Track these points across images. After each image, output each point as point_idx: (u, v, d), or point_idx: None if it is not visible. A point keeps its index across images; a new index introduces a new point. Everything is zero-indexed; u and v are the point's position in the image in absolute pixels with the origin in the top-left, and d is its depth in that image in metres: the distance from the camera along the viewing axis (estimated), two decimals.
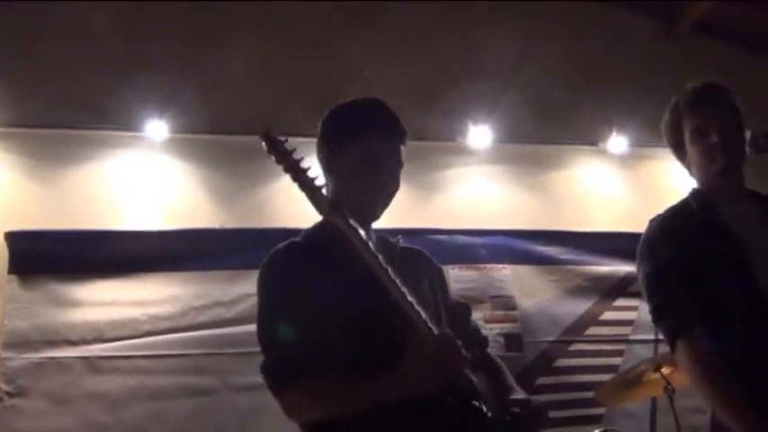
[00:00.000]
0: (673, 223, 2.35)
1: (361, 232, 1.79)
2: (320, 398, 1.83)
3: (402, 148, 2.04)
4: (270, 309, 1.92)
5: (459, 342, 1.74)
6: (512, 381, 2.08)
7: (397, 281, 1.76)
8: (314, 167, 1.82)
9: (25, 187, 4.44)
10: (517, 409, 1.87)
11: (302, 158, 1.78)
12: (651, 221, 2.39)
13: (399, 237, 2.13)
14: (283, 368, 1.84)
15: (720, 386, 2.14)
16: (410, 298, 1.76)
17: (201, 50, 4.67)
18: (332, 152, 2.03)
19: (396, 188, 2.03)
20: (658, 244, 2.31)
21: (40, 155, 4.46)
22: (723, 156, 2.30)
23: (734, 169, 2.32)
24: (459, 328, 2.06)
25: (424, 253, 2.23)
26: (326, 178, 2.03)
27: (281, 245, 2.00)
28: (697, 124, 2.35)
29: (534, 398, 1.95)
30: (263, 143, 1.79)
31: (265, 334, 1.90)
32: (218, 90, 4.65)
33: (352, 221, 1.79)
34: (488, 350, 2.19)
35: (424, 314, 1.74)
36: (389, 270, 1.77)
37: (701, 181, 2.41)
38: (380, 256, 1.77)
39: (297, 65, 4.79)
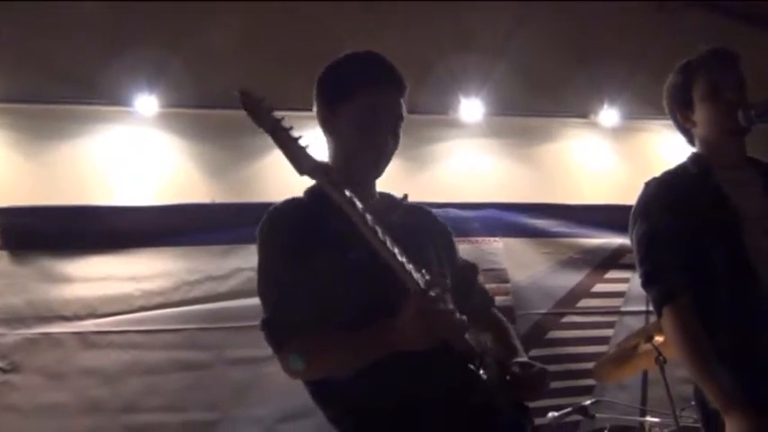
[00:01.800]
0: (669, 187, 2.36)
1: (348, 193, 1.73)
2: (317, 355, 1.81)
3: (402, 101, 2.00)
4: (270, 266, 1.90)
5: (450, 304, 1.70)
6: (516, 342, 2.06)
7: (387, 241, 1.70)
8: (310, 142, 1.78)
9: (14, 163, 4.41)
10: (517, 370, 1.85)
11: (283, 118, 1.73)
12: (647, 184, 2.40)
13: (405, 195, 2.09)
14: (283, 325, 1.83)
15: (699, 353, 2.17)
16: (401, 258, 1.69)
17: (192, 24, 4.62)
18: (329, 111, 1.99)
19: (396, 144, 1.99)
20: (653, 207, 2.33)
21: (30, 130, 4.43)
22: (739, 113, 2.30)
23: (745, 129, 2.32)
24: (464, 287, 2.07)
25: (431, 212, 2.19)
26: (327, 139, 2.01)
27: (282, 201, 1.98)
28: (714, 82, 2.35)
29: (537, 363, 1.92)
30: (242, 102, 1.74)
31: (266, 291, 1.89)
32: (209, 64, 4.61)
33: (336, 181, 1.74)
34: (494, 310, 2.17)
35: (415, 274, 1.68)
36: (379, 231, 1.70)
37: (706, 141, 2.41)
38: (370, 217, 1.71)
39: (288, 38, 4.75)
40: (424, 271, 1.70)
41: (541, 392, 1.89)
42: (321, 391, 1.91)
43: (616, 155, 5.40)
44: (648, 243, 2.32)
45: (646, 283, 2.33)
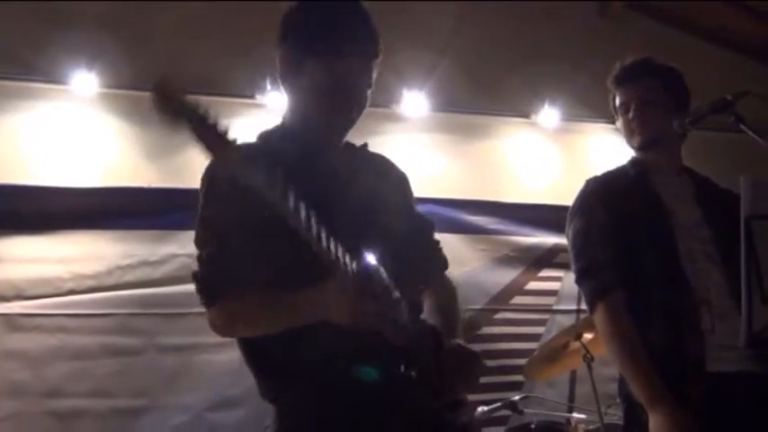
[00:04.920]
0: (608, 187, 2.43)
1: (271, 177, 1.49)
2: (239, 315, 1.75)
3: (372, 65, 1.88)
4: (205, 220, 1.80)
5: (377, 287, 1.57)
6: (456, 314, 1.98)
7: (312, 221, 1.51)
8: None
9: None
10: (450, 356, 1.76)
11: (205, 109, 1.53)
12: (588, 181, 2.47)
13: (366, 143, 2.03)
14: (214, 282, 1.76)
15: (628, 349, 2.23)
16: (323, 235, 1.52)
17: (134, 3, 4.54)
18: (289, 65, 1.86)
19: (360, 110, 1.89)
20: (591, 204, 2.39)
21: None
22: (637, 131, 2.41)
23: (650, 144, 2.41)
24: (420, 241, 2.04)
25: (388, 160, 2.12)
26: (286, 94, 1.91)
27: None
28: (621, 101, 2.46)
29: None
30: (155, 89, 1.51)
31: (200, 245, 1.79)
32: (150, 46, 4.54)
33: (245, 164, 1.50)
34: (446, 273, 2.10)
35: (336, 251, 1.54)
36: (302, 209, 1.51)
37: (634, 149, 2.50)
38: (303, 206, 1.51)
39: (232, 22, 4.70)
40: (351, 260, 1.57)
41: (475, 377, 1.83)
42: (261, 361, 1.83)
43: (555, 155, 5.46)
44: (584, 239, 2.37)
45: (579, 279, 2.38)
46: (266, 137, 1.92)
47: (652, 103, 2.41)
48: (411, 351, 1.69)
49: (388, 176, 2.07)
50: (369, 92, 1.90)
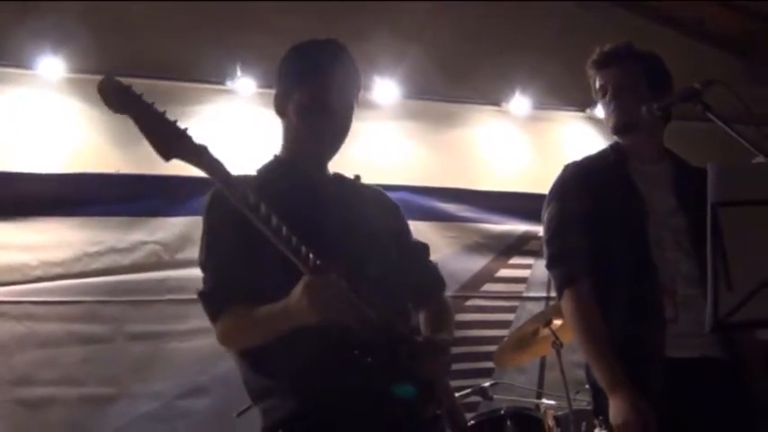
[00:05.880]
0: (585, 172, 2.44)
1: (231, 179, 1.72)
2: (240, 328, 1.87)
3: (354, 90, 2.06)
4: (210, 241, 1.96)
5: (343, 286, 1.73)
6: (447, 330, 2.07)
7: (283, 229, 1.72)
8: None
9: None
10: (414, 347, 1.86)
11: (153, 103, 1.69)
12: (566, 167, 2.48)
13: (358, 175, 2.16)
14: (219, 297, 1.89)
15: (591, 335, 2.27)
16: (295, 244, 1.72)
17: None
18: (283, 92, 2.05)
19: (344, 132, 2.06)
20: (567, 190, 2.41)
21: None
22: (613, 115, 2.42)
23: (624, 128, 2.42)
24: (415, 266, 2.13)
25: (383, 193, 2.23)
26: (281, 121, 2.07)
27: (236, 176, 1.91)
28: (599, 84, 2.46)
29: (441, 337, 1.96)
30: (102, 86, 1.69)
31: (206, 262, 1.94)
32: (119, 31, 4.49)
33: (214, 163, 1.71)
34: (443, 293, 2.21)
35: (303, 250, 1.73)
36: (273, 220, 1.72)
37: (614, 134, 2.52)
38: (263, 206, 1.72)
39: (202, 7, 4.66)
40: (312, 256, 1.73)
41: (443, 363, 1.92)
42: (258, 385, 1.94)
43: (526, 143, 5.49)
44: (557, 225, 2.40)
45: (550, 265, 2.41)
46: (261, 170, 2.09)
47: (629, 88, 2.42)
48: (374, 342, 1.79)
49: (382, 204, 2.19)
50: (350, 112, 2.07)
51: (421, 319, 2.08)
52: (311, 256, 1.73)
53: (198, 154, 1.70)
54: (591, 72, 2.50)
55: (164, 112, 1.68)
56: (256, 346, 1.87)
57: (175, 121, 1.69)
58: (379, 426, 1.81)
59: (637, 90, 2.41)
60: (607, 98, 2.44)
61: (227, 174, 1.72)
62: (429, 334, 2.00)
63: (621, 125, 2.43)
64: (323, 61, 2.01)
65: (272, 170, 2.06)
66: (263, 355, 1.87)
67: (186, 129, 1.70)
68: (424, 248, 2.24)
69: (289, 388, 1.85)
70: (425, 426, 1.87)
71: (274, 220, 1.71)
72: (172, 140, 1.67)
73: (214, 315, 1.90)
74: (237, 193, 1.71)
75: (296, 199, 1.90)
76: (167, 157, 1.68)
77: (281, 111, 2.06)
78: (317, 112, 1.99)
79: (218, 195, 1.90)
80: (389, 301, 1.88)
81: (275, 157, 2.10)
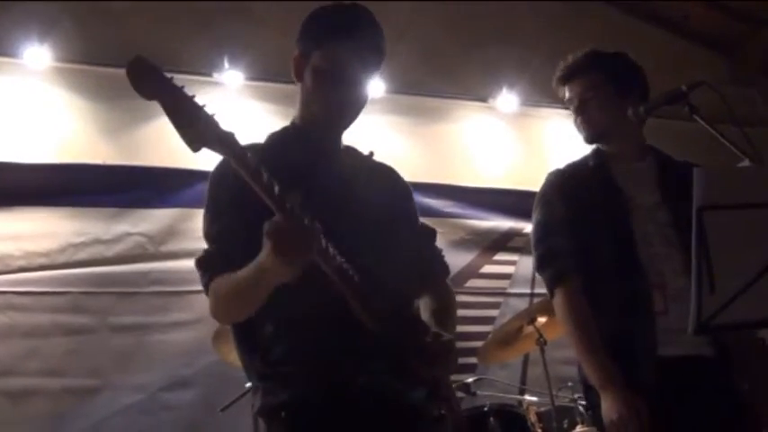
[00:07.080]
0: (567, 178, 2.51)
1: (253, 165, 1.61)
2: (224, 295, 1.79)
3: (375, 59, 1.99)
4: (208, 209, 1.90)
5: (309, 227, 1.60)
6: (450, 318, 2.03)
7: (266, 175, 1.61)
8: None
9: None
10: (425, 351, 1.82)
11: (183, 87, 1.59)
12: (549, 174, 2.55)
13: (372, 151, 2.11)
14: (210, 264, 1.83)
15: (582, 333, 2.31)
16: (288, 205, 1.58)
17: None
18: (300, 54, 1.96)
19: (359, 102, 1.98)
20: (551, 197, 2.47)
21: None
22: (582, 128, 2.48)
23: (595, 139, 2.48)
24: (421, 251, 2.12)
25: (394, 170, 2.20)
26: (299, 84, 1.99)
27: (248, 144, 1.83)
28: (567, 98, 2.54)
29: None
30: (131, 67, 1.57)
31: (207, 233, 1.89)
32: (106, 19, 4.47)
33: (239, 153, 1.61)
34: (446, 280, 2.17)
35: (277, 190, 1.60)
36: (276, 188, 1.59)
37: None
38: (277, 188, 1.60)
39: None
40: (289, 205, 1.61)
41: (450, 364, 1.88)
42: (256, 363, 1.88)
43: (512, 140, 5.50)
44: (543, 229, 2.46)
45: (539, 267, 2.47)
46: (272, 136, 2.02)
47: (592, 99, 2.47)
48: (386, 337, 1.76)
49: (393, 183, 2.16)
50: (366, 83, 1.98)
51: (423, 305, 2.03)
52: (288, 203, 1.59)
53: (227, 145, 1.61)
54: (557, 87, 2.53)
55: (193, 97, 1.59)
56: (258, 326, 1.81)
57: (204, 107, 1.59)
58: (385, 424, 1.78)
59: (602, 99, 2.46)
60: (573, 112, 2.49)
61: (250, 161, 1.62)
62: (434, 326, 1.91)
63: (590, 138, 2.51)
64: (344, 25, 1.94)
65: (285, 136, 2.01)
66: (266, 335, 1.83)
67: (214, 114, 1.60)
68: (431, 233, 2.22)
69: (296, 373, 1.78)
70: (432, 424, 1.85)
71: (265, 175, 1.60)
72: (201, 130, 1.58)
73: (206, 282, 1.83)
74: (250, 171, 1.60)
75: (302, 165, 1.84)
76: (196, 148, 1.59)
77: (298, 74, 1.97)
78: (331, 77, 1.91)
79: (223, 168, 1.85)
80: (389, 279, 1.82)
81: (292, 122, 2.04)
